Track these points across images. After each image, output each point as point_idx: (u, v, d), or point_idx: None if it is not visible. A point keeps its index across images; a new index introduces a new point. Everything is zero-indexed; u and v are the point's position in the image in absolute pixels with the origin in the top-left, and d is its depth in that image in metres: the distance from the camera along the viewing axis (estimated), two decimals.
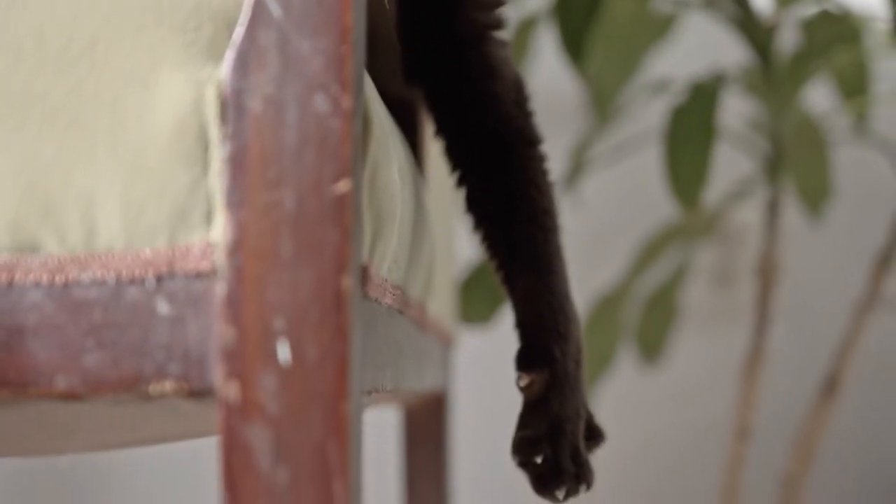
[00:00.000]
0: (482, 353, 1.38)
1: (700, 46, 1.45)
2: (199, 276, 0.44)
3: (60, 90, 0.45)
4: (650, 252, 1.30)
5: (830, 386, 1.20)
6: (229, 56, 0.44)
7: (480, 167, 0.64)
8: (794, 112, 1.21)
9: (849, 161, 1.39)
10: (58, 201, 0.45)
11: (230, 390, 0.43)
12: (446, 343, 0.93)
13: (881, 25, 1.29)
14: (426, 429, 0.98)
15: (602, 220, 1.55)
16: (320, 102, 0.44)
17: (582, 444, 0.60)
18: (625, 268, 1.31)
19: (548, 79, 1.34)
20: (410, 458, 0.98)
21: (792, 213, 1.29)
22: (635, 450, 1.52)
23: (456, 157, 0.65)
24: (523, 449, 0.59)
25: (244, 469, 0.43)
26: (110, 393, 0.44)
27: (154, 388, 0.44)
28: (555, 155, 0.69)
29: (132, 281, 0.45)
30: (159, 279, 0.45)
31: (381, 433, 1.14)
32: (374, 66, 0.55)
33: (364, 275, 0.48)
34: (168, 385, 0.44)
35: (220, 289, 0.44)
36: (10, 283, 0.45)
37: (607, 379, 1.32)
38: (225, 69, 0.44)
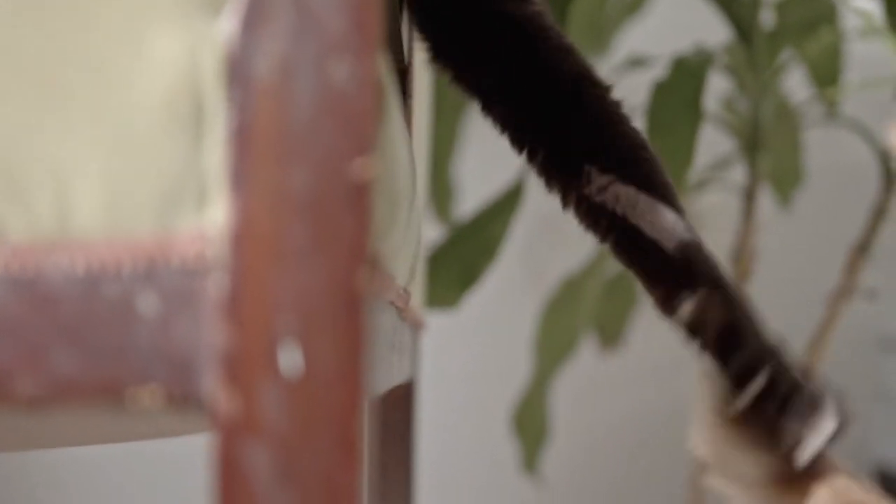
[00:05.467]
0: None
1: (664, 25, 1.40)
2: (189, 266, 0.38)
3: (32, 44, 0.38)
4: None
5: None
6: (232, 9, 0.38)
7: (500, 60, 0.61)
8: (774, 95, 1.16)
9: (823, 147, 1.35)
10: (26, 174, 0.38)
11: (227, 402, 0.37)
12: (417, 328, 0.87)
13: (857, 6, 1.25)
14: (391, 419, 0.92)
15: None
16: (340, 67, 0.38)
17: None
18: (589, 251, 1.26)
19: None
20: (375, 449, 0.92)
21: (764, 199, 1.24)
22: (599, 434, 1.48)
23: (472, 73, 0.63)
24: None
25: (241, 494, 0.37)
26: (81, 400, 0.38)
27: (132, 395, 0.38)
28: None
29: (111, 272, 0.38)
30: (142, 270, 0.38)
31: None
32: None
33: (373, 269, 0.42)
34: (149, 392, 0.38)
35: (215, 282, 0.37)
36: None
37: (570, 364, 1.27)
38: (227, 25, 0.38)
